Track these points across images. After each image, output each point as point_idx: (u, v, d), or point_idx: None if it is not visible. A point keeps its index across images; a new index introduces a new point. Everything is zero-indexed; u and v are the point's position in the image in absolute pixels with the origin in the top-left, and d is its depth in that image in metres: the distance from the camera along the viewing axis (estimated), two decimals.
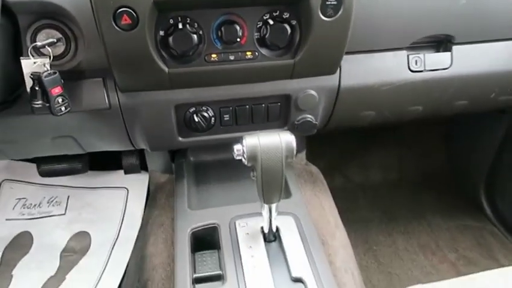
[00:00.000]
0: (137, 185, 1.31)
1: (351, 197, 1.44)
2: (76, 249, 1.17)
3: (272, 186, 0.67)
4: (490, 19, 0.84)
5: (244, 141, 0.65)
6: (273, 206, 0.72)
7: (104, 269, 1.11)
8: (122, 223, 1.23)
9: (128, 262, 1.09)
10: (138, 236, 1.06)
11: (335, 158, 1.52)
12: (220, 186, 0.95)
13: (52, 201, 1.28)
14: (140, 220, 1.21)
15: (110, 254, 1.15)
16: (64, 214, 1.25)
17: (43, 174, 1.17)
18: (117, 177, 1.33)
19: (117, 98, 0.76)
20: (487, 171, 1.37)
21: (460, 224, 1.35)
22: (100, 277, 1.08)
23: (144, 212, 1.07)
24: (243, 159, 0.66)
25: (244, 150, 0.65)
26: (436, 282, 0.69)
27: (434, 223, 1.36)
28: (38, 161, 1.17)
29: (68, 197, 1.29)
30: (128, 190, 1.31)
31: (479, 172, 1.39)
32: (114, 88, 0.75)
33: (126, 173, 1.28)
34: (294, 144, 0.65)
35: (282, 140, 0.65)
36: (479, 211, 1.39)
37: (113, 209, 1.26)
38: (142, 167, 1.32)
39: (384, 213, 1.39)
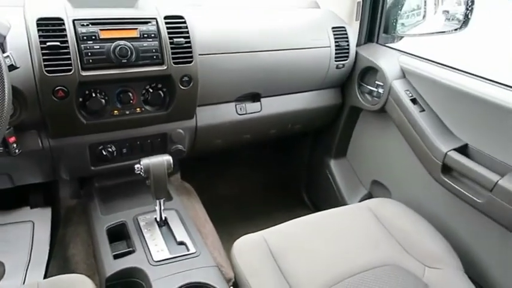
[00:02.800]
0: (42, 217, 1.54)
1: (217, 204, 1.91)
2: None
3: (160, 187, 1.11)
4: (278, 84, 1.43)
5: (141, 162, 1.08)
6: (162, 201, 1.15)
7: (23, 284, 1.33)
8: (31, 249, 1.46)
9: (46, 274, 1.34)
10: (56, 251, 1.32)
11: (204, 178, 2.00)
12: (122, 199, 1.30)
13: None
14: (48, 245, 1.46)
15: (26, 273, 1.36)
16: None
17: None
18: (23, 213, 1.54)
19: (48, 142, 1.10)
20: (306, 175, 2.01)
21: (292, 214, 1.94)
22: None
23: (58, 230, 1.35)
24: (141, 173, 1.09)
25: (142, 167, 1.09)
26: (258, 232, 1.18)
27: (276, 215, 1.88)
28: None
29: None
30: (33, 223, 1.54)
31: (300, 176, 2.01)
32: (45, 135, 1.10)
33: (32, 207, 1.53)
34: (171, 161, 1.12)
35: (164, 159, 1.10)
36: (303, 203, 2.00)
37: (22, 240, 1.47)
38: (45, 202, 1.58)
39: (242, 213, 1.90)
